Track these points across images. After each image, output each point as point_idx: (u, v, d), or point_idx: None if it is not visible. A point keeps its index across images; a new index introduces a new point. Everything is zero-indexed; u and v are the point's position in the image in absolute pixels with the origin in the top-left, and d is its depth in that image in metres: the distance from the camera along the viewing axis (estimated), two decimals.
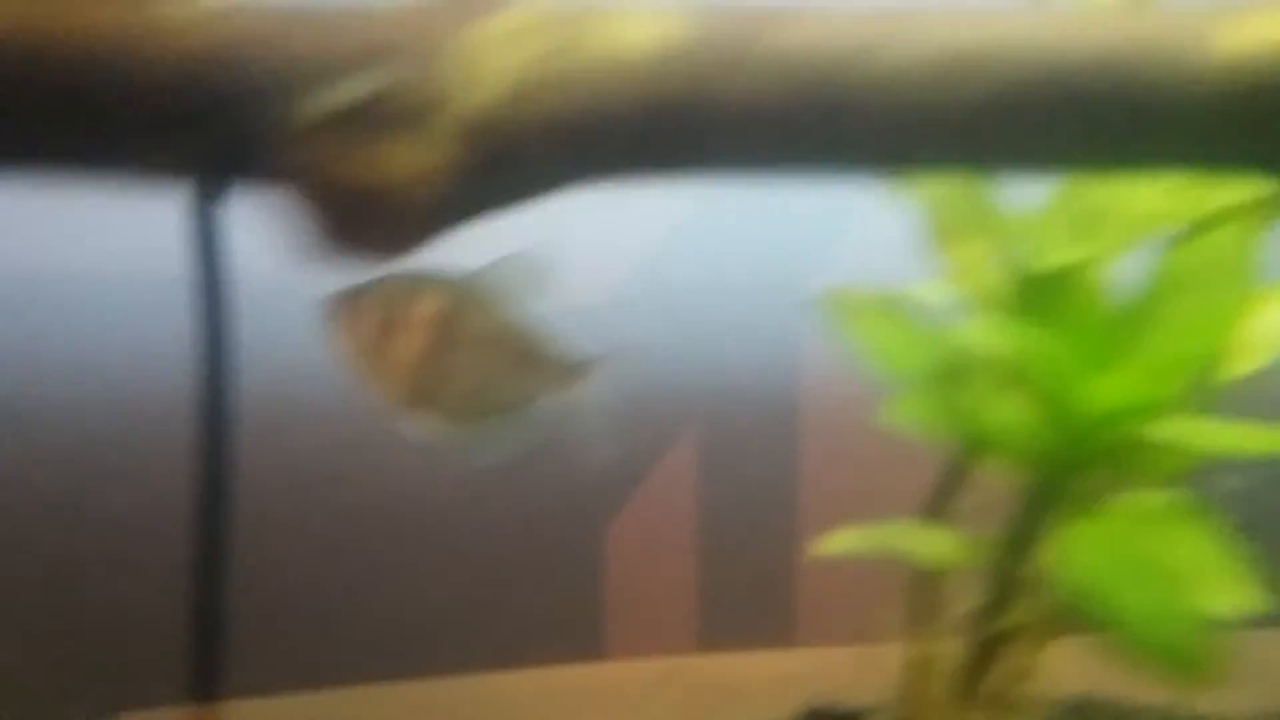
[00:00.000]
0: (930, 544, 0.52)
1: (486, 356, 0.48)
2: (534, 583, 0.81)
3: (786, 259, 0.76)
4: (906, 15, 0.23)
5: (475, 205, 0.20)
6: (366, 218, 0.19)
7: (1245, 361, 0.57)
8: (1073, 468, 0.45)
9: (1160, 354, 0.45)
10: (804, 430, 0.79)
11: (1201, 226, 0.48)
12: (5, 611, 0.71)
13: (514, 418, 0.49)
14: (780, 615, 0.80)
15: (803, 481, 0.80)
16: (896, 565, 0.55)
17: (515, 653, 0.80)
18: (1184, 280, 0.48)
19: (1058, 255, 0.43)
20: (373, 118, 0.20)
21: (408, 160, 0.20)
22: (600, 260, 0.78)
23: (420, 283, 0.47)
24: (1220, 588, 0.41)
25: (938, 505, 0.56)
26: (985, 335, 0.45)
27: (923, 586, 0.53)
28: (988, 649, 0.53)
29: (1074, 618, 0.49)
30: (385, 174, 0.20)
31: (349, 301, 0.46)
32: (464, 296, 0.47)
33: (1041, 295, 0.45)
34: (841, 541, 0.55)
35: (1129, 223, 0.43)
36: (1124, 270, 0.55)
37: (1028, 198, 0.52)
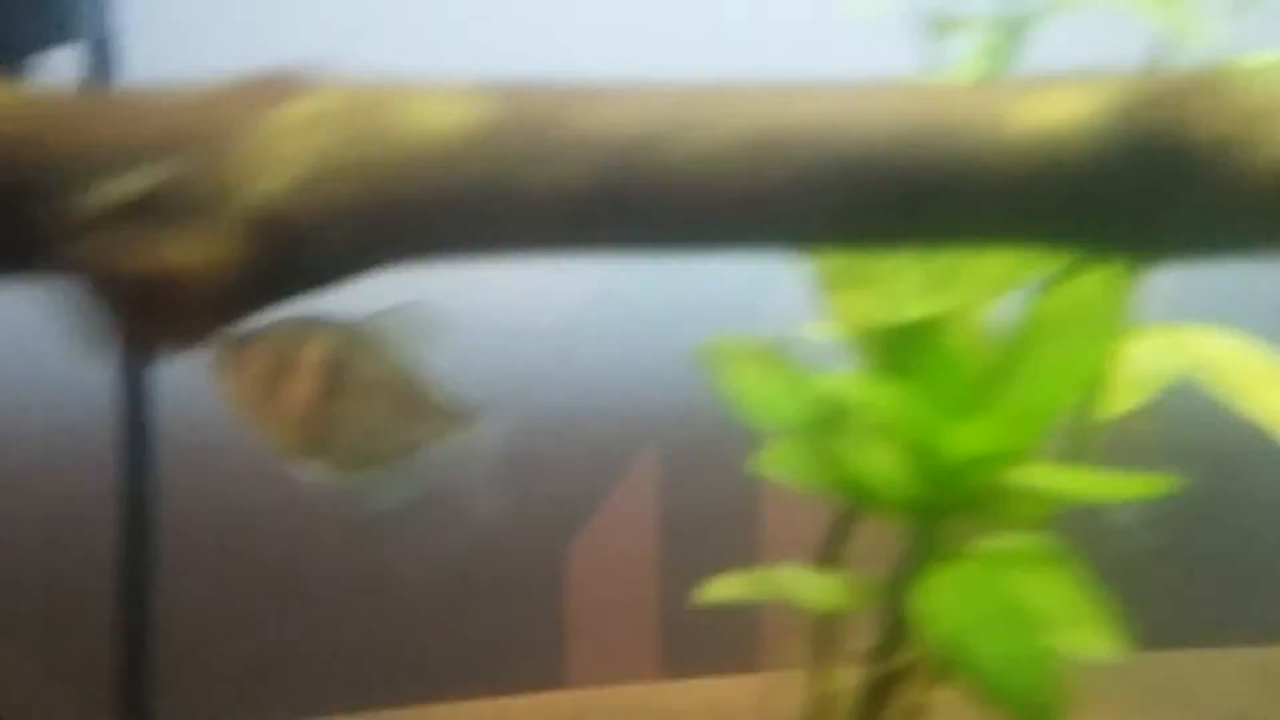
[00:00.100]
0: (817, 589, 0.53)
1: (376, 403, 0.47)
2: (491, 608, 0.81)
3: (746, 277, 0.76)
4: (712, 95, 0.24)
5: (266, 294, 0.20)
6: (153, 309, 0.19)
7: (1121, 402, 0.59)
8: (938, 514, 0.45)
9: (1022, 401, 0.45)
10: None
11: (1065, 275, 0.49)
12: None
13: (403, 464, 0.48)
14: (743, 641, 0.79)
15: (764, 500, 0.80)
16: None
17: (472, 681, 0.79)
18: (1049, 327, 0.49)
19: (913, 308, 0.43)
20: (159, 207, 0.20)
21: (194, 251, 0.19)
22: (556, 281, 0.78)
23: (310, 328, 0.46)
24: (1077, 630, 0.41)
25: (830, 548, 0.56)
26: (849, 386, 0.45)
27: (823, 621, 0.53)
28: (881, 687, 0.54)
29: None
30: (171, 265, 0.19)
31: (237, 347, 0.45)
32: (354, 342, 0.47)
33: (905, 345, 0.46)
34: (730, 587, 0.55)
35: (982, 276, 0.44)
36: (1001, 316, 0.56)
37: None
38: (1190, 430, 0.66)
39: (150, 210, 0.19)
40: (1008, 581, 0.41)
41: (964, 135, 0.24)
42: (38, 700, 0.73)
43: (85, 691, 0.73)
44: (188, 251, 0.19)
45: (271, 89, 0.21)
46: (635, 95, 0.23)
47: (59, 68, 0.65)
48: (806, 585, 0.54)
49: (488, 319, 0.76)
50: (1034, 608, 0.41)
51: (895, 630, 0.53)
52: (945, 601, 0.41)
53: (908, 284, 0.44)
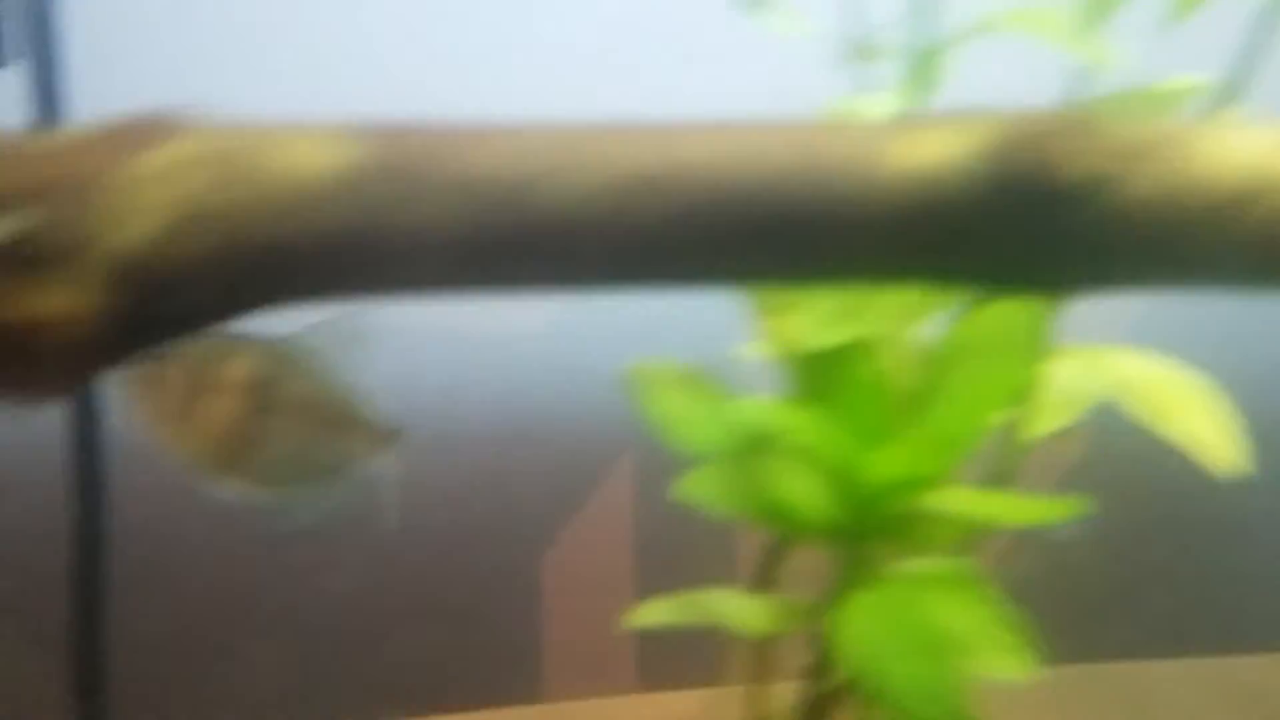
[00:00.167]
0: (747, 612, 0.53)
1: (300, 420, 0.47)
2: (464, 618, 0.80)
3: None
4: (591, 135, 0.24)
5: (131, 343, 0.20)
6: (13, 362, 0.19)
7: (1047, 423, 0.59)
8: (859, 539, 0.46)
9: (942, 425, 0.46)
10: None
11: (984, 299, 0.50)
12: None
13: (327, 482, 0.48)
14: (716, 652, 0.80)
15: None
16: None
17: (444, 695, 0.79)
18: (968, 351, 0.49)
19: (825, 336, 0.44)
20: (18, 259, 0.19)
21: (56, 301, 0.19)
22: None
23: (232, 346, 0.46)
24: (992, 654, 0.42)
25: (765, 570, 0.56)
26: (770, 412, 0.45)
27: (760, 639, 0.53)
28: (818, 707, 0.54)
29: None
30: (32, 316, 0.19)
31: (152, 367, 0.44)
32: (278, 360, 0.46)
33: (825, 371, 0.46)
34: (658, 612, 0.55)
35: (894, 304, 0.44)
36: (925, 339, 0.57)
37: None
38: (1133, 443, 0.67)
39: (10, 260, 0.19)
40: (922, 605, 0.42)
41: (841, 175, 0.24)
42: None
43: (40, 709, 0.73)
44: (50, 302, 0.19)
45: (140, 133, 0.21)
46: (513, 136, 0.23)
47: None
48: (736, 608, 0.54)
49: (473, 325, 0.76)
50: (948, 631, 0.41)
51: (823, 655, 0.53)
52: (860, 626, 0.41)
53: (821, 311, 0.45)
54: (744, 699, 0.56)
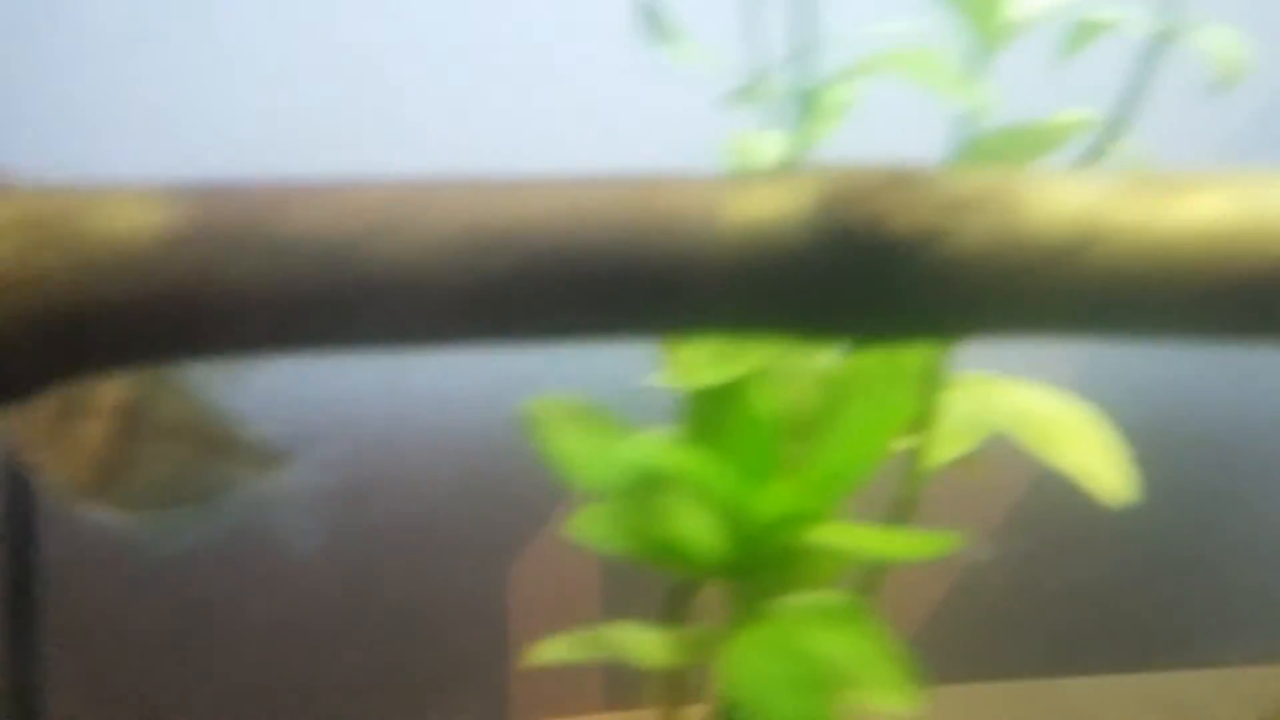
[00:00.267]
0: (648, 646, 0.53)
1: (177, 443, 0.46)
2: (431, 634, 0.79)
3: None
4: (425, 191, 0.24)
5: None
6: None
7: (947, 450, 0.60)
8: (747, 575, 0.46)
9: (828, 460, 0.46)
10: None
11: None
12: None
13: (207, 505, 0.47)
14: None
15: None
16: None
17: (413, 714, 0.78)
18: (856, 385, 0.50)
19: (704, 375, 0.44)
20: None
21: None
22: None
23: None
24: (875, 686, 0.42)
25: (674, 602, 0.56)
26: (659, 449, 0.45)
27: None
28: None
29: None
30: None
31: None
32: (152, 382, 0.46)
33: (714, 407, 0.46)
34: (554, 650, 0.55)
35: (771, 343, 0.45)
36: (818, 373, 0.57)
37: None
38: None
39: None
40: (806, 639, 0.42)
41: (678, 228, 0.24)
42: None
43: None
44: None
45: None
46: (343, 194, 0.23)
47: None
48: (638, 642, 0.54)
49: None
50: (831, 664, 0.41)
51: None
52: (744, 659, 0.41)
53: (709, 347, 0.45)
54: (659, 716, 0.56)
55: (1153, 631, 0.88)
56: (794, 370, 0.49)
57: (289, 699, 0.78)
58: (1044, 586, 0.87)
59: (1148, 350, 0.84)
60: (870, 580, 0.57)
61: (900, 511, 0.60)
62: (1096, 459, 0.52)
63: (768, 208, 0.25)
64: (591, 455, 0.48)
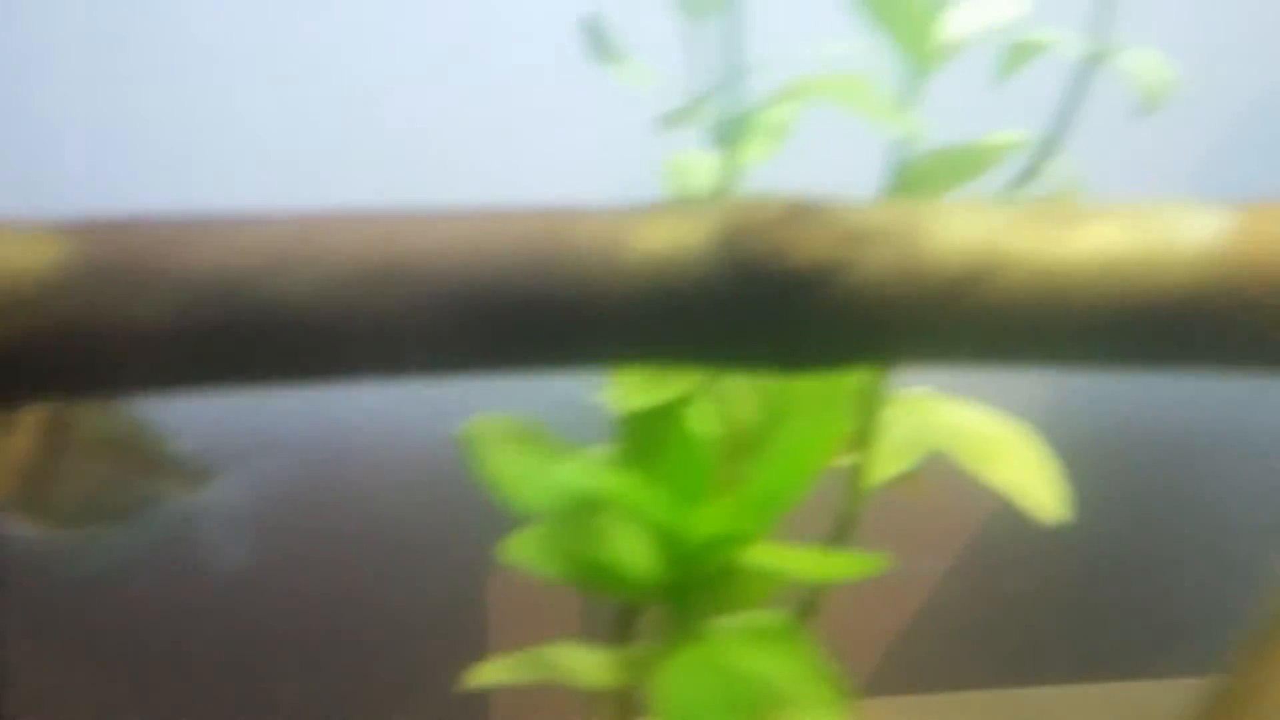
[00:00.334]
0: (589, 666, 0.53)
1: (103, 458, 0.46)
2: (406, 646, 0.79)
3: None
4: (325, 224, 0.24)
5: None
6: None
7: (888, 467, 0.60)
8: (681, 596, 0.46)
9: (761, 481, 0.46)
10: None
11: None
12: None
13: (132, 521, 0.47)
14: None
15: None
16: None
17: None
18: (790, 405, 0.50)
19: (636, 399, 0.44)
20: None
21: None
22: None
23: None
24: (806, 706, 0.42)
25: (621, 621, 0.56)
26: (591, 472, 0.46)
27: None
28: None
29: None
30: None
31: None
32: None
33: (646, 430, 0.46)
34: (502, 670, 0.54)
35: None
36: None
37: None
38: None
39: None
40: (738, 659, 0.42)
41: (583, 261, 0.25)
42: None
43: None
44: None
45: None
46: (240, 229, 0.23)
47: None
48: (580, 663, 0.54)
49: None
50: (763, 684, 0.42)
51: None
52: (676, 680, 0.41)
53: (638, 372, 0.45)
54: None
55: (1111, 641, 0.89)
56: (732, 389, 0.50)
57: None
58: (996, 598, 0.88)
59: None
60: (812, 599, 0.57)
61: (843, 529, 0.60)
62: (1029, 477, 0.53)
63: (672, 240, 0.25)
64: (528, 477, 0.48)
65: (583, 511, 0.47)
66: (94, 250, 0.21)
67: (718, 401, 0.50)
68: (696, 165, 0.54)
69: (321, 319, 0.23)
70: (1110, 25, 0.58)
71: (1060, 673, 0.88)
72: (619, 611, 0.56)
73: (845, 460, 0.60)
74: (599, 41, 0.55)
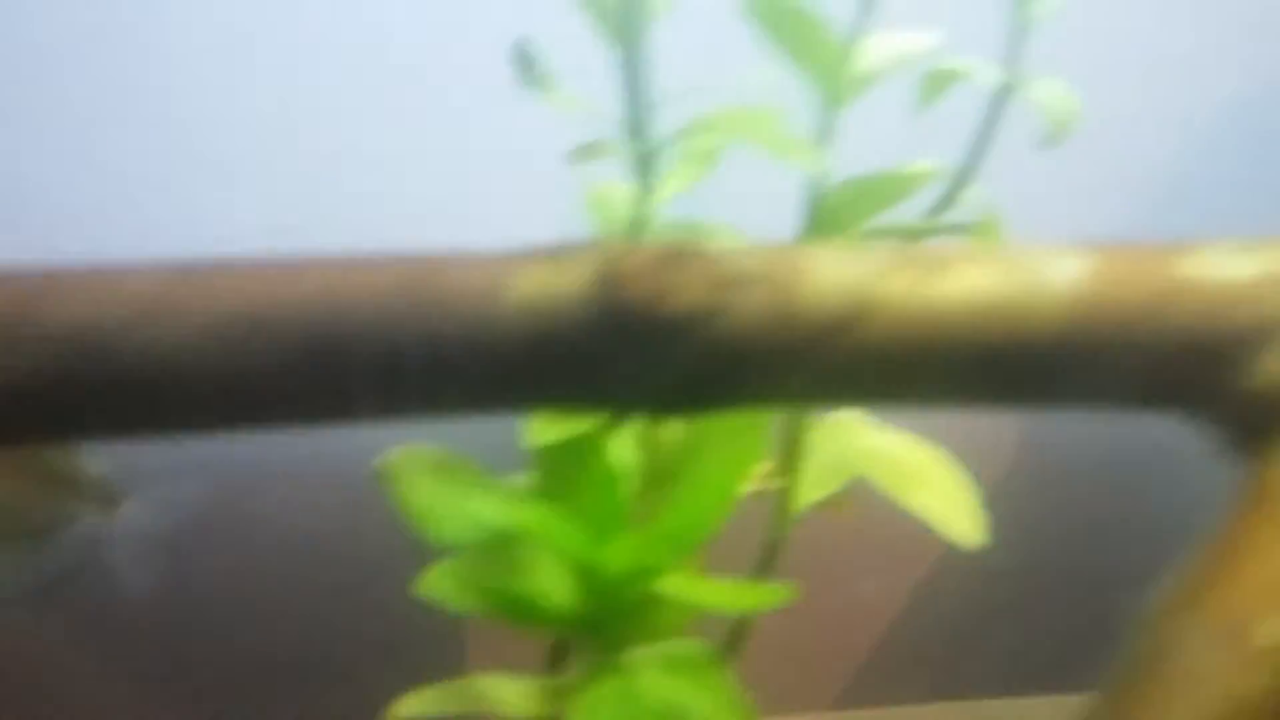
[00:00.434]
0: (511, 697, 0.53)
1: (15, 478, 0.45)
2: (383, 668, 0.78)
3: None
4: (188, 276, 0.24)
5: None
6: None
7: (813, 492, 0.61)
8: (597, 627, 0.46)
9: (676, 512, 0.47)
10: None
11: None
12: None
13: (44, 542, 0.46)
14: None
15: None
16: None
17: None
18: (708, 434, 0.50)
19: (544, 434, 0.44)
20: None
21: None
22: None
23: None
24: None
25: (554, 652, 0.56)
26: (507, 505, 0.46)
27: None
28: None
29: None
30: None
31: None
32: None
33: (561, 463, 0.47)
34: (424, 701, 0.54)
35: None
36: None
37: None
38: None
39: None
40: (652, 688, 0.42)
41: (455, 309, 0.25)
42: None
43: None
44: None
45: None
46: (104, 282, 0.23)
47: None
48: (505, 694, 0.54)
49: None
50: (677, 713, 0.42)
51: None
52: (591, 711, 0.41)
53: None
54: None
55: (1065, 654, 0.90)
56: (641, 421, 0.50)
57: None
58: (927, 617, 0.88)
59: None
60: (740, 627, 0.57)
61: (770, 554, 0.60)
62: (946, 502, 0.54)
63: (547, 287, 0.25)
64: (447, 509, 0.48)
65: (500, 544, 0.47)
66: None
67: (639, 430, 0.50)
68: (616, 196, 0.55)
69: (188, 372, 0.23)
70: (1021, 55, 0.59)
71: (1022, 685, 0.89)
72: (552, 641, 0.56)
73: (773, 485, 0.60)
74: (529, 68, 0.55)
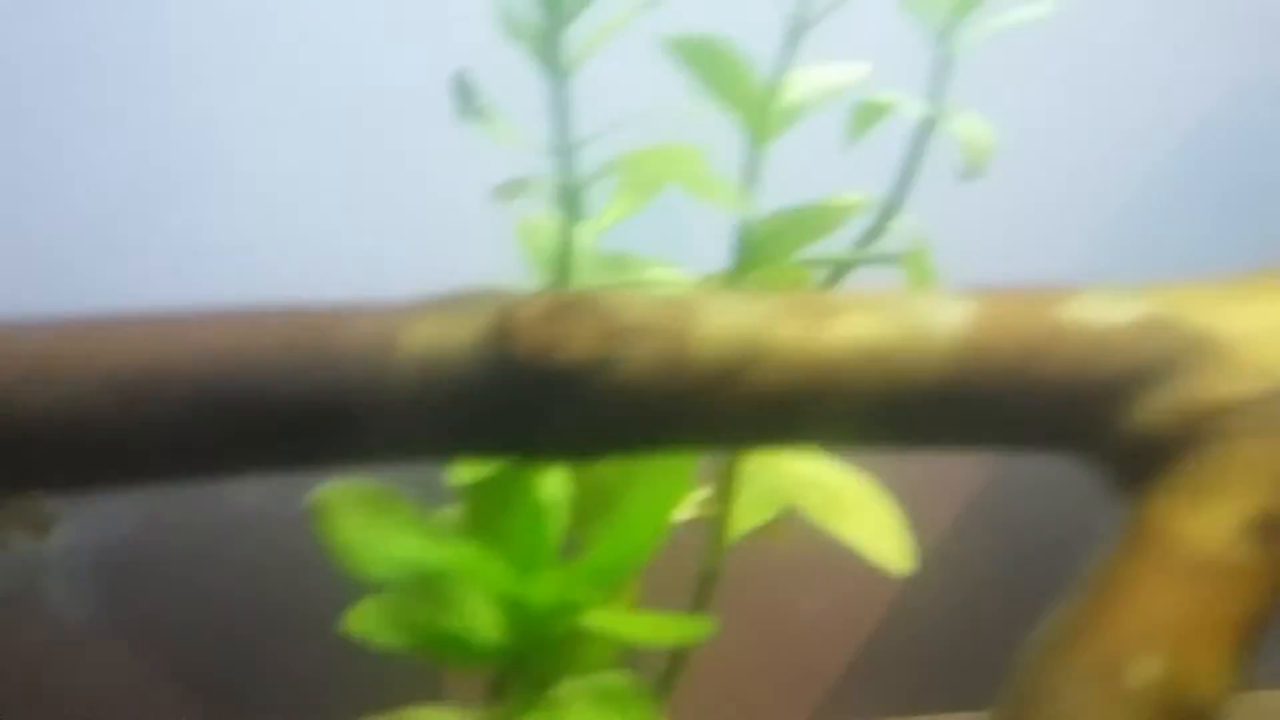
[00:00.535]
0: None
1: None
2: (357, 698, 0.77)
3: None
4: (77, 333, 0.24)
5: None
6: None
7: (748, 520, 0.61)
8: (525, 662, 0.46)
9: (602, 545, 0.47)
10: None
11: None
12: None
13: None
14: None
15: None
16: None
17: None
18: (636, 470, 0.51)
19: (465, 472, 0.45)
20: None
21: None
22: None
23: None
24: None
25: (495, 686, 0.56)
26: (434, 541, 0.46)
27: None
28: None
29: None
30: None
31: None
32: None
33: (487, 499, 0.47)
34: None
35: None
36: None
37: None
38: None
39: None
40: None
41: (348, 362, 0.25)
42: None
43: None
44: None
45: None
46: (2, 338, 0.23)
47: None
48: None
49: None
50: None
51: None
52: None
53: None
54: None
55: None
56: None
57: None
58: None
59: None
60: (676, 658, 0.58)
61: (706, 582, 0.61)
62: (875, 530, 0.54)
63: (440, 339, 0.25)
64: (374, 545, 0.48)
65: (427, 580, 0.47)
66: None
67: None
68: (544, 229, 0.55)
69: (83, 428, 0.23)
70: (945, 88, 0.60)
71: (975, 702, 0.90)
72: (493, 675, 0.56)
73: (708, 514, 0.61)
74: (468, 99, 0.56)
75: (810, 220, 0.58)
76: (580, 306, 0.25)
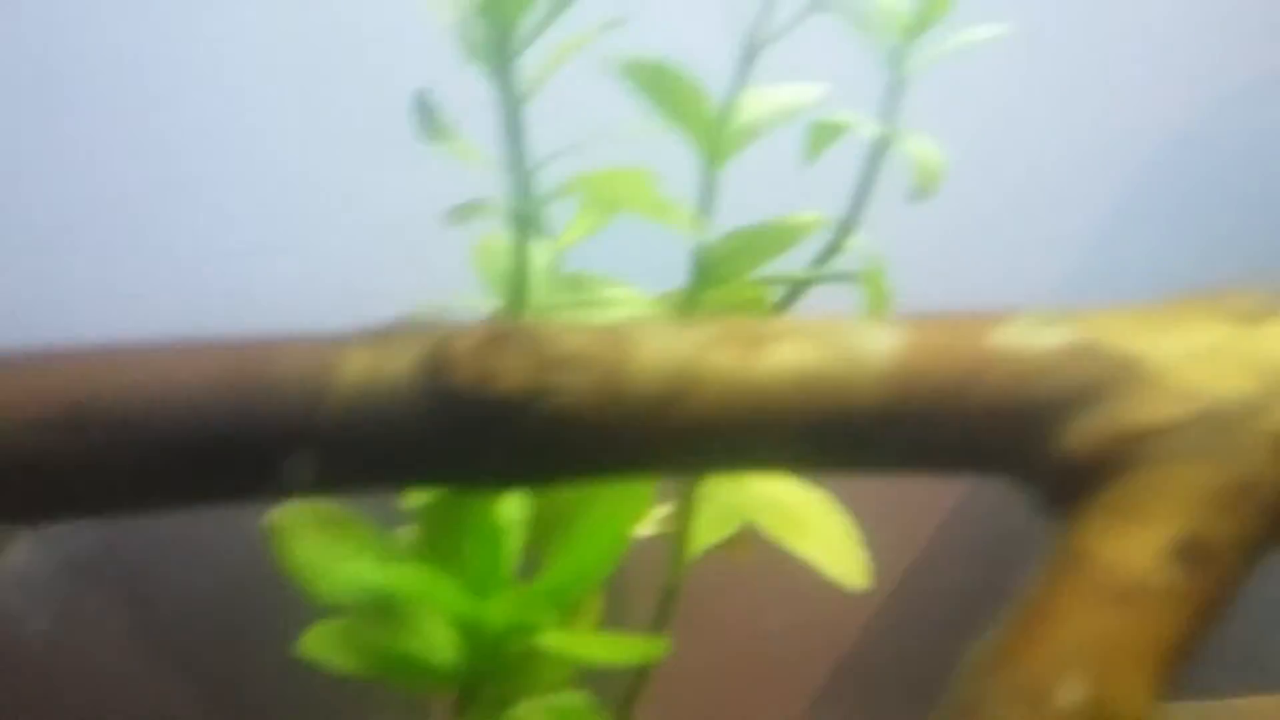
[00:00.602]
0: None
1: None
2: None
3: None
4: (13, 367, 0.24)
5: None
6: None
7: (708, 536, 0.61)
8: (480, 683, 0.46)
9: (556, 566, 0.47)
10: None
11: None
12: None
13: None
14: None
15: None
16: None
17: None
18: (593, 490, 0.51)
19: (416, 497, 0.45)
20: None
21: None
22: None
23: None
24: None
25: (459, 708, 0.56)
26: (388, 563, 0.46)
27: None
28: None
29: None
30: None
31: None
32: None
33: (441, 520, 0.47)
34: None
35: None
36: None
37: None
38: None
39: None
40: None
41: (283, 394, 0.25)
42: None
43: None
44: None
45: None
46: None
47: None
48: None
49: None
50: None
51: None
52: None
53: None
54: None
55: None
56: None
57: None
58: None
59: None
60: (638, 677, 0.58)
61: (667, 599, 0.61)
62: (831, 547, 0.54)
63: (374, 371, 0.25)
64: (329, 567, 0.48)
65: (383, 603, 0.47)
66: None
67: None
68: (499, 250, 0.55)
69: (12, 464, 0.23)
70: (899, 108, 0.61)
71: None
72: (456, 695, 0.55)
73: (669, 530, 0.61)
74: (430, 119, 0.56)
75: (767, 239, 0.58)
76: (515, 337, 0.25)
